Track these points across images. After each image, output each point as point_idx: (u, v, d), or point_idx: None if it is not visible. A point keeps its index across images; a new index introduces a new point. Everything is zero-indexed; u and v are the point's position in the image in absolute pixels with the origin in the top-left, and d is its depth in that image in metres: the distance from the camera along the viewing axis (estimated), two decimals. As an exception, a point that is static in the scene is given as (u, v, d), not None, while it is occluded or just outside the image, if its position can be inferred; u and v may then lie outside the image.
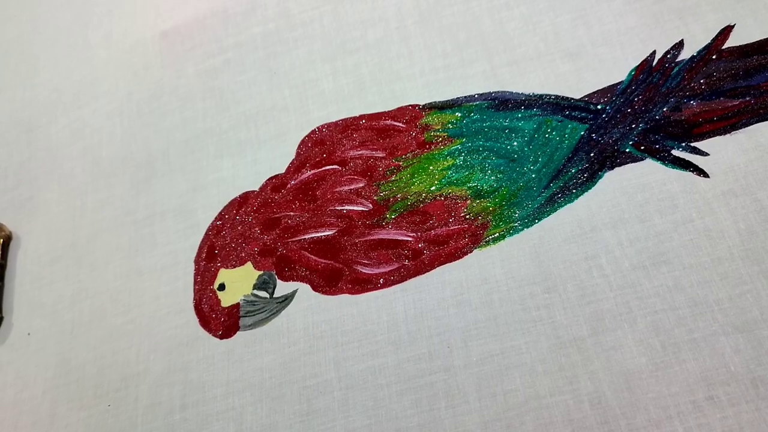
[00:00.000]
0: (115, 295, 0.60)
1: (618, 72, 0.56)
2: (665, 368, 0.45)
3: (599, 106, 0.56)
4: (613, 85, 0.56)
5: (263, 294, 0.55)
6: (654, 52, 0.56)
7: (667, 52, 0.56)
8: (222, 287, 0.56)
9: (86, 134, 0.70)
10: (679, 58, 0.56)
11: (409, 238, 0.54)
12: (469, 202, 0.54)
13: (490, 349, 0.48)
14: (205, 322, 0.56)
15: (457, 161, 0.56)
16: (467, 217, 0.54)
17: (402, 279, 0.53)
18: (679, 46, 0.56)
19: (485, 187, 0.55)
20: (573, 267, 0.49)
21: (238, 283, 0.56)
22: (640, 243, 0.49)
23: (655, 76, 0.56)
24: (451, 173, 0.56)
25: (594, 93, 0.56)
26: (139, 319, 0.58)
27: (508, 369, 0.47)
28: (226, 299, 0.56)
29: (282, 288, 0.55)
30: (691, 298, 0.46)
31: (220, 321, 0.55)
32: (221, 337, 0.55)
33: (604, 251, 0.49)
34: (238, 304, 0.55)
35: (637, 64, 0.56)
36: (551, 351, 0.47)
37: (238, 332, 0.54)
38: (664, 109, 0.54)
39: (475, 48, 0.61)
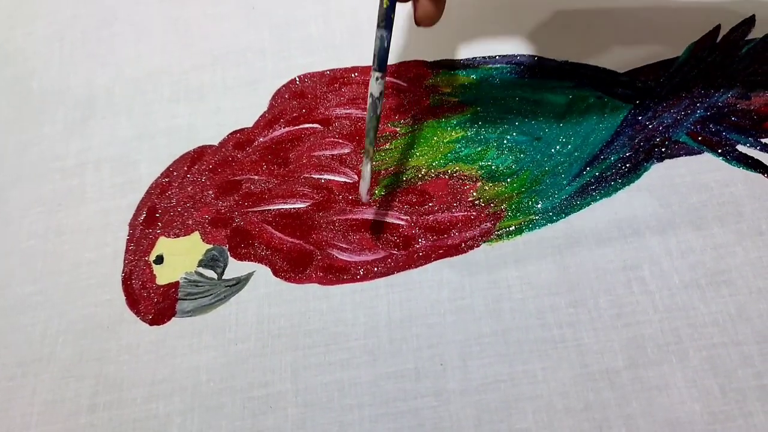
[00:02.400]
0: (27, 257, 0.49)
1: (673, 46, 0.47)
2: (726, 421, 0.35)
3: (648, 84, 0.45)
4: (665, 60, 0.47)
5: (210, 273, 0.44)
6: (719, 27, 0.47)
7: (735, 28, 0.47)
8: (159, 260, 0.45)
9: (17, 60, 0.60)
10: (749, 36, 0.46)
11: (401, 222, 0.43)
12: (480, 184, 0.44)
13: (496, 372, 0.38)
14: (134, 301, 0.44)
15: (469, 133, 0.46)
16: (476, 202, 0.43)
17: (388, 271, 0.42)
18: (750, 22, 0.47)
19: (501, 168, 0.44)
20: (607, 277, 0.39)
21: (180, 256, 0.45)
22: (695, 255, 0.39)
23: (718, 55, 0.45)
24: (460, 147, 0.45)
25: (642, 68, 0.47)
26: (50, 289, 0.47)
27: (518, 401, 0.37)
28: (163, 275, 0.45)
29: (234, 268, 0.44)
30: (760, 333, 0.37)
31: (153, 302, 0.44)
32: (151, 323, 0.44)
33: (649, 261, 0.39)
34: (177, 282, 0.44)
35: (697, 39, 0.46)
36: (576, 383, 0.37)
37: (173, 318, 0.44)
38: (729, 95, 0.44)
39: (502, 1, 0.50)
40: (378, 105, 0.39)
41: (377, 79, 0.38)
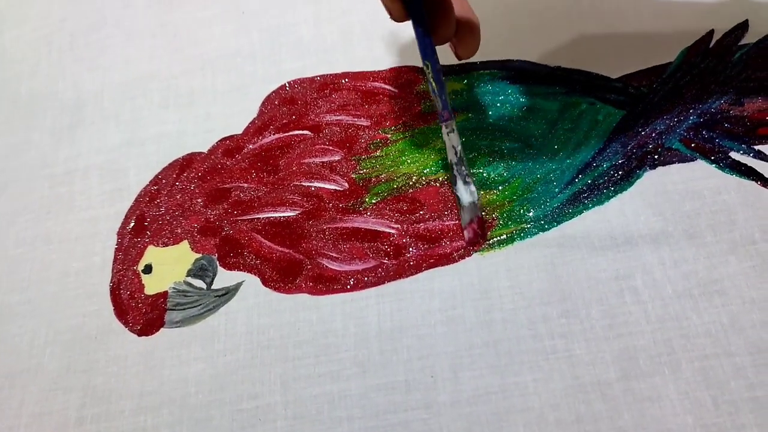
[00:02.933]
0: (14, 265, 0.48)
1: (666, 51, 0.46)
2: (718, 434, 0.34)
3: (640, 90, 0.45)
4: (658, 66, 0.46)
5: (199, 283, 0.44)
6: (712, 32, 0.46)
7: (728, 33, 0.46)
8: (148, 269, 0.45)
9: (5, 65, 0.59)
10: (742, 42, 0.45)
11: (392, 231, 0.43)
12: None
13: (487, 384, 0.37)
14: (122, 311, 0.44)
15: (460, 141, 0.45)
16: (468, 211, 0.42)
17: (378, 281, 0.41)
18: (743, 27, 0.46)
19: (493, 176, 0.43)
20: (600, 287, 0.39)
21: (168, 266, 0.45)
22: (688, 265, 0.39)
23: (711, 61, 0.45)
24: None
25: (634, 74, 0.46)
26: (38, 299, 0.46)
27: (509, 413, 0.36)
28: (152, 285, 0.44)
29: (223, 278, 0.44)
30: (753, 343, 0.36)
31: (141, 312, 0.43)
32: (140, 333, 0.43)
33: (641, 271, 0.39)
34: (165, 292, 0.44)
35: (690, 44, 0.46)
36: (567, 395, 0.36)
37: (161, 329, 0.43)
38: (722, 101, 0.44)
39: (494, 4, 0.49)
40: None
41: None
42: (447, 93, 0.40)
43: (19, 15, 0.60)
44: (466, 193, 0.42)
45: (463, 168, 0.42)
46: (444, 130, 0.41)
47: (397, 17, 0.37)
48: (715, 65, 0.45)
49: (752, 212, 0.40)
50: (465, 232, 0.42)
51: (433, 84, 0.39)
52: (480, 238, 0.41)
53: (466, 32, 0.39)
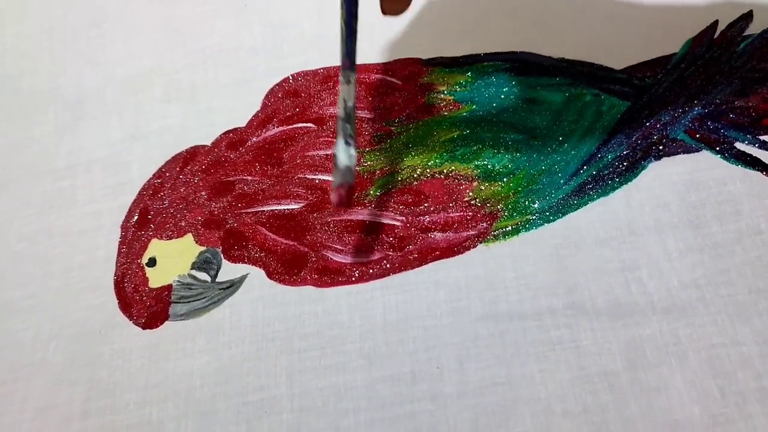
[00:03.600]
0: (17, 260, 0.48)
1: (670, 41, 0.46)
2: (726, 423, 0.34)
3: (645, 81, 0.45)
4: (662, 57, 0.46)
5: (203, 276, 0.43)
6: (716, 22, 0.46)
7: (733, 23, 0.46)
8: (152, 263, 0.45)
9: (6, 60, 0.59)
10: (747, 32, 0.45)
11: (397, 223, 0.43)
12: (476, 184, 0.43)
13: (494, 375, 0.37)
14: (126, 305, 0.44)
15: (464, 132, 0.45)
16: (473, 202, 0.42)
17: (383, 273, 0.41)
18: (748, 17, 0.46)
19: (497, 168, 0.43)
20: (605, 278, 0.39)
21: (173, 259, 0.45)
22: (694, 255, 0.39)
23: (716, 51, 0.45)
24: (456, 146, 0.45)
25: (639, 65, 0.46)
26: (42, 293, 0.46)
27: (515, 404, 0.36)
28: (156, 278, 0.44)
29: (228, 271, 0.44)
30: (760, 333, 0.36)
31: (145, 305, 0.43)
32: (144, 327, 0.43)
33: (647, 261, 0.39)
34: (170, 285, 0.44)
35: (695, 34, 0.46)
36: (574, 386, 0.36)
37: (166, 322, 0.43)
38: (727, 92, 0.44)
39: (497, -4, 0.49)
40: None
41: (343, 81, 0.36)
42: (355, 40, 0.36)
43: (20, 10, 0.60)
44: (344, 155, 0.36)
45: (348, 126, 0.37)
46: (341, 79, 0.36)
47: None
48: (719, 56, 0.45)
49: (758, 202, 0.40)
50: (332, 194, 0.37)
51: (343, 27, 0.35)
52: (345, 204, 0.37)
53: None
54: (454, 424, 0.36)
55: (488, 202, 0.42)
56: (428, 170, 0.44)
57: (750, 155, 0.41)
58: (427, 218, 0.42)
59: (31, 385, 0.42)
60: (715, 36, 0.46)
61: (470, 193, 0.43)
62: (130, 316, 0.43)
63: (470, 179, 0.43)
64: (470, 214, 0.42)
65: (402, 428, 0.37)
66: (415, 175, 0.44)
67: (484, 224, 0.42)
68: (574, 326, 0.38)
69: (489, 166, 0.44)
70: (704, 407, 0.35)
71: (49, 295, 0.45)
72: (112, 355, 0.42)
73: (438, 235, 0.42)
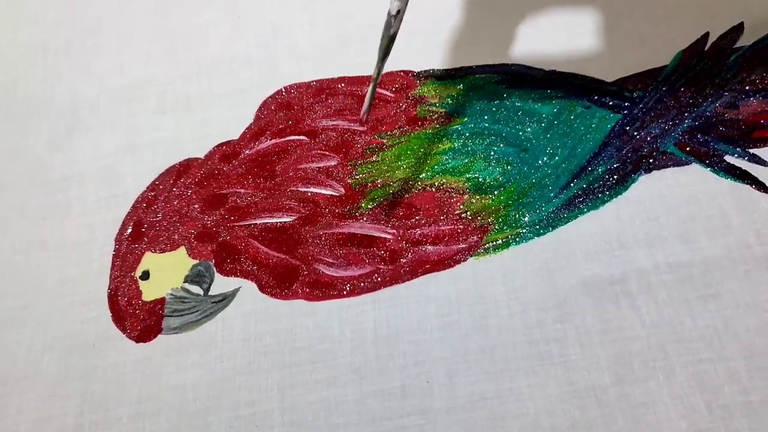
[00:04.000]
0: (10, 272, 0.48)
1: (661, 54, 0.46)
2: (712, 439, 0.34)
3: (635, 94, 0.45)
4: (653, 69, 0.46)
5: (196, 290, 0.44)
6: (707, 34, 0.46)
7: (724, 36, 0.46)
8: (145, 276, 0.45)
9: (0, 69, 0.57)
10: (738, 44, 0.45)
11: (388, 236, 0.43)
12: (466, 197, 0.43)
13: (483, 390, 0.37)
14: (120, 318, 0.44)
15: (455, 145, 0.45)
16: (463, 215, 0.43)
17: (374, 287, 0.42)
18: (739, 29, 0.46)
19: (488, 181, 0.44)
20: (595, 292, 0.39)
21: (166, 272, 0.45)
22: (683, 270, 0.39)
23: (707, 63, 0.45)
24: (447, 159, 0.45)
25: (630, 77, 0.46)
26: (35, 305, 0.46)
27: (504, 419, 0.36)
28: (149, 292, 0.44)
29: (221, 284, 0.44)
30: (747, 348, 0.36)
31: (139, 319, 0.43)
32: (137, 340, 0.43)
33: (636, 276, 0.39)
34: (163, 299, 0.44)
35: (686, 46, 0.46)
36: (562, 400, 0.36)
37: (159, 335, 0.43)
38: (717, 105, 0.44)
39: (488, 8, 0.49)
40: (392, 23, 0.36)
41: None
42: None
43: (14, 20, 0.60)
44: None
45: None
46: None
47: None
48: (710, 68, 0.45)
49: (747, 216, 0.40)
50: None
51: None
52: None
53: None
54: (443, 438, 0.37)
55: (479, 216, 0.43)
56: (419, 183, 0.44)
57: (739, 168, 0.41)
58: (419, 231, 0.43)
59: (25, 398, 0.43)
60: (706, 48, 0.46)
61: (461, 206, 0.43)
62: (123, 330, 0.44)
63: (461, 192, 0.44)
64: (461, 227, 0.42)
65: (392, 443, 0.37)
66: (407, 188, 0.44)
67: (475, 237, 0.42)
68: (563, 340, 0.38)
69: (480, 179, 0.44)
70: (691, 422, 0.35)
71: (43, 308, 0.46)
72: (106, 369, 0.43)
73: (429, 248, 0.42)
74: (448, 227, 0.43)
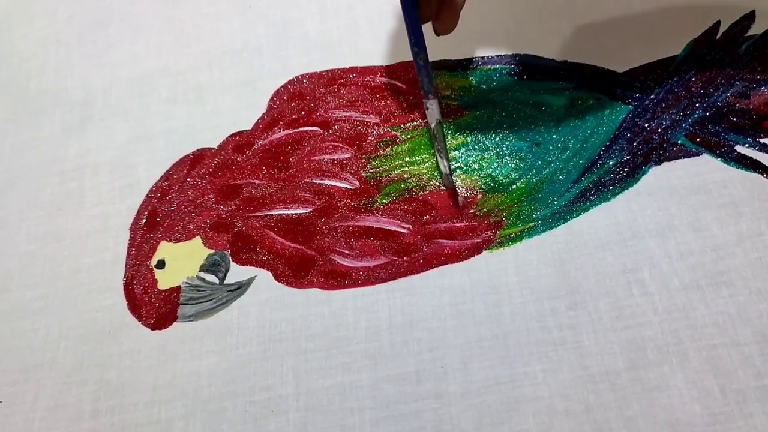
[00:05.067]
0: (26, 262, 0.49)
1: (672, 44, 0.46)
2: (726, 422, 0.35)
3: (647, 84, 0.45)
4: (664, 59, 0.46)
5: (212, 278, 0.44)
6: (718, 23, 0.46)
7: (735, 25, 0.46)
8: (161, 265, 0.45)
9: (13, 62, 0.59)
10: (750, 33, 0.46)
11: (403, 230, 0.43)
12: (480, 196, 0.44)
13: (497, 375, 0.38)
14: (135, 306, 0.44)
15: (468, 140, 0.46)
16: (477, 213, 0.43)
17: (390, 277, 0.42)
18: (750, 17, 0.46)
19: (501, 178, 0.44)
20: (607, 281, 0.39)
21: (181, 261, 0.45)
22: (694, 257, 0.39)
23: (717, 53, 0.45)
24: (461, 155, 0.45)
25: (641, 68, 0.46)
26: (51, 295, 0.47)
27: (518, 403, 0.37)
28: (165, 280, 0.45)
29: (236, 273, 0.44)
30: (760, 332, 0.37)
31: (154, 307, 0.44)
32: (153, 328, 0.44)
33: (648, 264, 0.39)
34: (178, 287, 0.44)
35: (697, 36, 0.46)
36: (576, 385, 0.37)
37: (174, 323, 0.44)
38: (728, 95, 0.44)
39: (500, 1, 0.50)
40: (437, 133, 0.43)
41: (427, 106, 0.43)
42: (430, 71, 0.42)
43: (27, 13, 0.61)
44: (442, 166, 0.44)
45: (439, 144, 0.44)
46: (426, 106, 0.43)
47: None
48: (721, 57, 0.45)
49: (758, 204, 0.40)
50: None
51: (420, 62, 0.41)
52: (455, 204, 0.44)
53: (444, 7, 0.40)
54: (458, 422, 0.37)
55: (492, 213, 0.43)
56: (434, 180, 0.45)
57: (750, 158, 0.42)
58: (433, 227, 0.43)
59: (41, 385, 0.43)
60: (717, 37, 0.46)
61: (475, 206, 0.43)
62: (139, 317, 0.44)
63: (475, 192, 0.44)
64: (475, 223, 0.43)
65: (406, 427, 0.38)
66: (421, 185, 0.45)
67: (489, 233, 0.42)
68: (576, 327, 0.38)
69: (493, 176, 0.44)
70: (705, 406, 0.35)
71: (59, 297, 0.46)
72: (121, 356, 0.43)
73: (443, 242, 0.42)
74: (463, 224, 0.43)
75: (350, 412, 0.39)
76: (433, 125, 0.43)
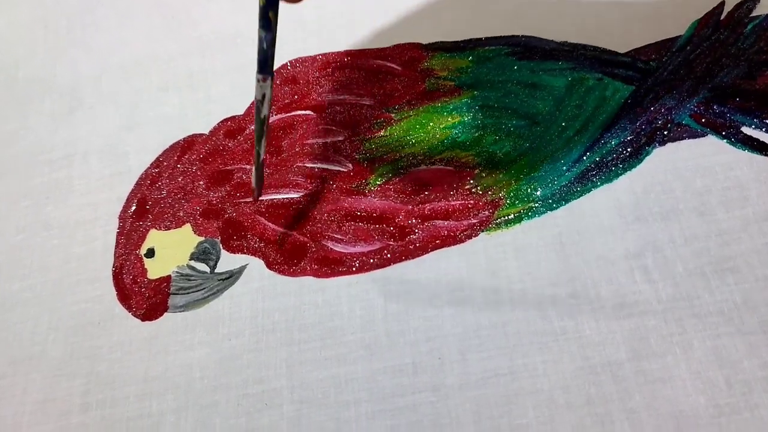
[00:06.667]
0: (14, 252, 0.47)
1: (675, 24, 0.45)
2: (731, 414, 0.34)
3: (650, 65, 0.44)
4: (668, 39, 0.45)
5: (202, 267, 0.43)
6: (723, 3, 0.45)
7: (740, 4, 0.45)
8: (151, 254, 0.44)
9: (0, 49, 0.57)
10: (755, 12, 0.45)
11: (398, 212, 0.42)
12: (477, 171, 0.42)
13: (496, 366, 0.37)
14: (125, 296, 0.43)
15: (465, 119, 0.44)
16: (474, 190, 0.42)
17: (384, 263, 0.41)
18: (756, -4, 0.45)
19: (499, 154, 0.43)
20: (609, 267, 0.38)
21: (171, 250, 0.44)
22: (699, 242, 0.38)
23: (723, 33, 0.44)
24: (457, 133, 0.44)
25: (644, 48, 0.45)
26: (40, 286, 0.45)
27: (518, 395, 0.36)
28: (155, 270, 0.44)
29: (227, 261, 0.43)
30: (767, 322, 0.35)
31: (144, 297, 0.43)
32: (143, 318, 0.43)
33: (652, 249, 0.38)
34: (169, 277, 0.43)
35: (701, 15, 0.45)
36: (577, 377, 0.36)
37: (165, 314, 0.43)
38: (733, 75, 0.43)
39: (498, -21, 0.48)
40: (261, 108, 0.37)
41: (258, 81, 0.36)
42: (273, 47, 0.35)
43: (14, -3, 0.59)
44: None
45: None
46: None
47: None
48: (726, 38, 0.44)
49: (765, 188, 0.39)
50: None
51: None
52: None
53: None
54: (455, 415, 0.36)
55: (490, 190, 0.42)
56: (429, 158, 0.43)
57: (757, 139, 0.40)
58: (428, 206, 0.42)
59: (30, 378, 0.42)
60: (722, 17, 0.45)
61: (471, 181, 0.42)
62: (128, 308, 0.43)
63: (472, 166, 0.43)
64: (472, 201, 0.41)
65: (403, 420, 0.36)
66: (416, 163, 0.43)
67: (486, 212, 0.41)
68: (577, 316, 0.37)
69: (490, 153, 0.43)
70: (709, 397, 0.34)
71: (48, 288, 0.45)
72: (112, 348, 0.42)
73: (439, 223, 0.41)
74: (459, 202, 0.42)
75: (346, 405, 0.38)
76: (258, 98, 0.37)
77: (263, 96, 0.36)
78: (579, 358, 0.36)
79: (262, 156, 0.39)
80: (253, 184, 0.41)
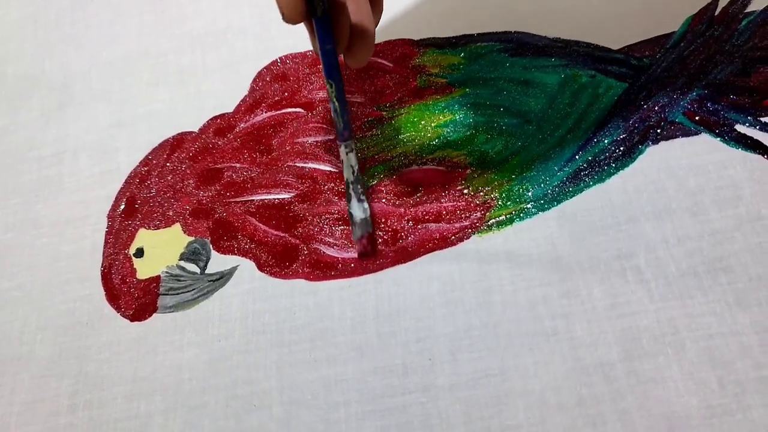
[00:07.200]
0: (3, 250, 0.47)
1: (669, 20, 0.45)
2: (724, 415, 0.33)
3: (643, 61, 0.43)
4: (661, 36, 0.45)
5: (192, 267, 0.43)
6: (717, -1, 0.44)
7: (734, 1, 0.45)
8: (140, 253, 0.44)
9: None
10: (749, 9, 0.44)
11: (390, 214, 0.41)
12: (469, 171, 0.42)
13: (487, 366, 0.36)
14: (114, 296, 0.43)
15: (457, 117, 0.44)
16: (465, 191, 0.41)
17: (377, 268, 0.41)
18: (751, -7, 0.44)
19: (491, 154, 0.42)
20: (601, 267, 0.38)
21: (161, 249, 0.44)
22: (692, 242, 0.38)
23: (717, 29, 0.44)
24: (449, 132, 0.43)
25: (637, 44, 0.45)
26: (28, 285, 0.45)
27: (508, 396, 0.35)
28: (144, 269, 0.43)
29: (217, 262, 0.43)
30: (759, 322, 0.35)
31: (133, 297, 0.42)
32: (132, 319, 0.42)
33: (644, 249, 0.38)
34: (158, 277, 0.43)
35: (695, 11, 0.44)
36: (568, 377, 0.35)
37: (154, 314, 0.42)
38: (727, 72, 0.42)
39: (491, -26, 0.48)
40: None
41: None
42: (349, 113, 0.38)
43: (3, -7, 0.59)
44: (359, 210, 0.41)
45: (359, 187, 0.41)
46: (342, 150, 0.40)
47: (290, 17, 0.31)
48: (720, 34, 0.44)
49: (759, 187, 0.39)
50: (356, 245, 0.41)
51: (336, 104, 0.37)
52: (370, 253, 0.41)
53: (356, 40, 0.34)
54: (446, 416, 0.36)
55: (481, 191, 0.41)
56: (420, 157, 0.43)
57: (751, 138, 0.40)
58: (420, 208, 0.41)
59: (18, 379, 0.42)
60: (716, 13, 0.44)
61: (463, 182, 0.42)
62: (117, 308, 0.43)
63: (463, 166, 0.42)
64: (463, 203, 0.41)
65: (393, 421, 0.36)
66: (407, 163, 0.43)
67: (478, 214, 0.41)
68: (569, 316, 0.37)
69: (482, 152, 0.42)
70: (702, 398, 0.34)
71: (36, 287, 0.45)
72: (100, 348, 0.42)
73: (431, 226, 0.41)
74: (451, 204, 0.41)
75: (335, 406, 0.37)
76: (355, 168, 0.41)
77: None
78: (570, 359, 0.36)
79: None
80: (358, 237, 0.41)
